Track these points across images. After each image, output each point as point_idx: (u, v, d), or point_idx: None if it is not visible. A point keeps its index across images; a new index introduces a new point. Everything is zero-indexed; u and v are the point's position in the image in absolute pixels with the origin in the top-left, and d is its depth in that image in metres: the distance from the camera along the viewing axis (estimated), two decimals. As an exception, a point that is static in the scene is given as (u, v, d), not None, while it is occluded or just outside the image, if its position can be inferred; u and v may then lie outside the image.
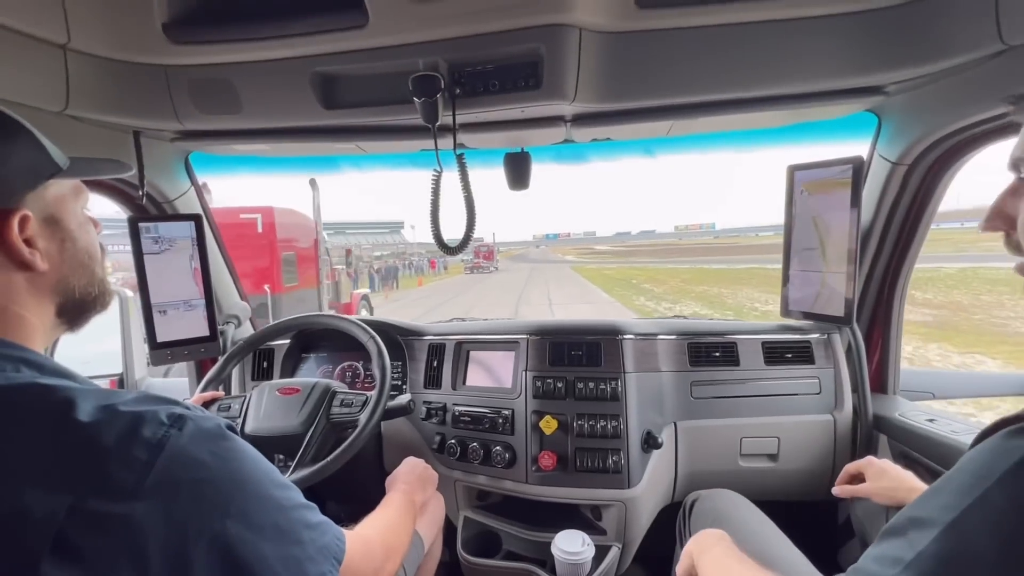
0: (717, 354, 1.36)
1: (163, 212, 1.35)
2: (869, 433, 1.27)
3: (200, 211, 1.42)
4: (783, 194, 1.37)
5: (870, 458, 1.00)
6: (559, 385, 1.29)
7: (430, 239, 1.14)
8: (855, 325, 1.27)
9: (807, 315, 1.36)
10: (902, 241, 1.26)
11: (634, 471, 1.22)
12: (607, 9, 0.88)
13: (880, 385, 1.37)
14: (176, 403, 0.50)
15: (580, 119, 1.12)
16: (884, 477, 0.94)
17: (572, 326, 1.40)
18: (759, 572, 0.70)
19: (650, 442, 1.25)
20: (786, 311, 1.41)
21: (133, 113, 1.05)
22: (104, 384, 1.63)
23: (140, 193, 1.22)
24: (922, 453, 1.11)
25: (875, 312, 1.36)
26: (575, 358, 1.33)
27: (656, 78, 0.98)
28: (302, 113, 1.07)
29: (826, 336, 1.35)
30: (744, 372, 1.34)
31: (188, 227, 1.28)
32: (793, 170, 1.33)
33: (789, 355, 1.35)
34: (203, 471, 0.47)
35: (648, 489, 1.25)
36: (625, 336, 1.34)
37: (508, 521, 1.32)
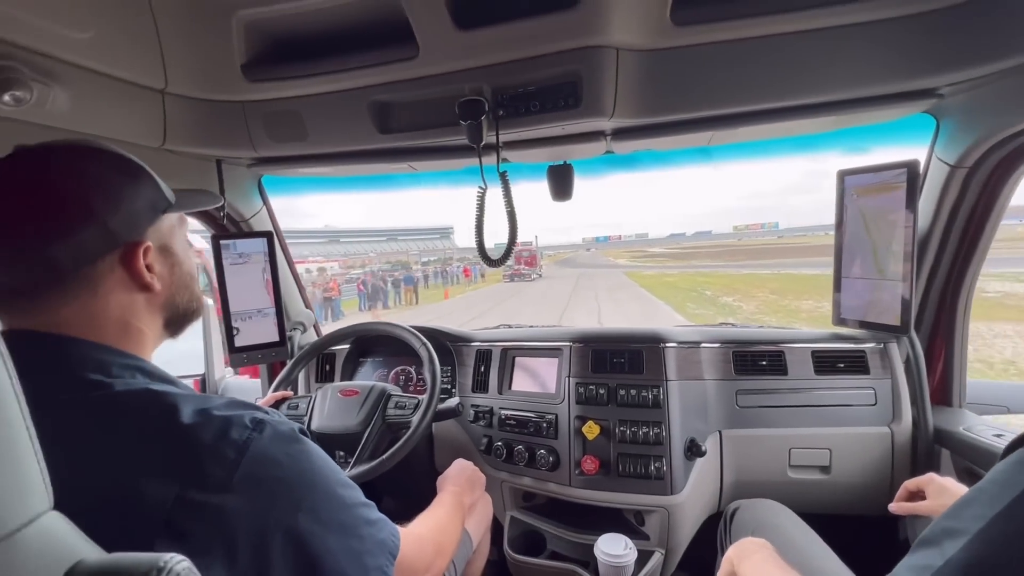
0: (764, 363, 1.34)
1: (240, 230, 1.50)
2: (930, 447, 1.21)
3: (271, 229, 1.57)
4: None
5: (931, 475, 0.94)
6: (601, 391, 1.32)
7: (472, 244, 1.21)
8: (914, 334, 1.22)
9: (862, 324, 1.31)
10: (964, 247, 1.20)
11: (677, 478, 1.23)
12: (643, 29, 0.91)
13: (944, 397, 1.30)
14: (257, 408, 0.58)
15: (620, 133, 1.15)
16: (944, 494, 0.89)
17: (614, 334, 1.43)
18: None
19: (693, 450, 1.25)
20: (838, 319, 1.37)
21: (216, 144, 1.19)
22: (189, 383, 1.82)
23: (222, 214, 1.37)
24: (987, 469, 1.05)
25: (937, 321, 1.30)
26: (617, 365, 1.36)
27: (695, 91, 1.00)
28: (360, 138, 1.16)
29: (882, 345, 1.30)
30: (793, 381, 1.32)
31: (261, 243, 1.42)
32: (843, 175, 1.30)
33: (841, 365, 1.31)
34: (280, 470, 0.54)
35: (692, 497, 1.25)
36: (667, 344, 1.35)
37: (553, 522, 1.36)
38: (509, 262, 1.19)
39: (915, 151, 1.19)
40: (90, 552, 0.36)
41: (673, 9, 0.88)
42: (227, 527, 0.49)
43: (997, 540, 0.42)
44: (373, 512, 0.64)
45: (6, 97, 0.77)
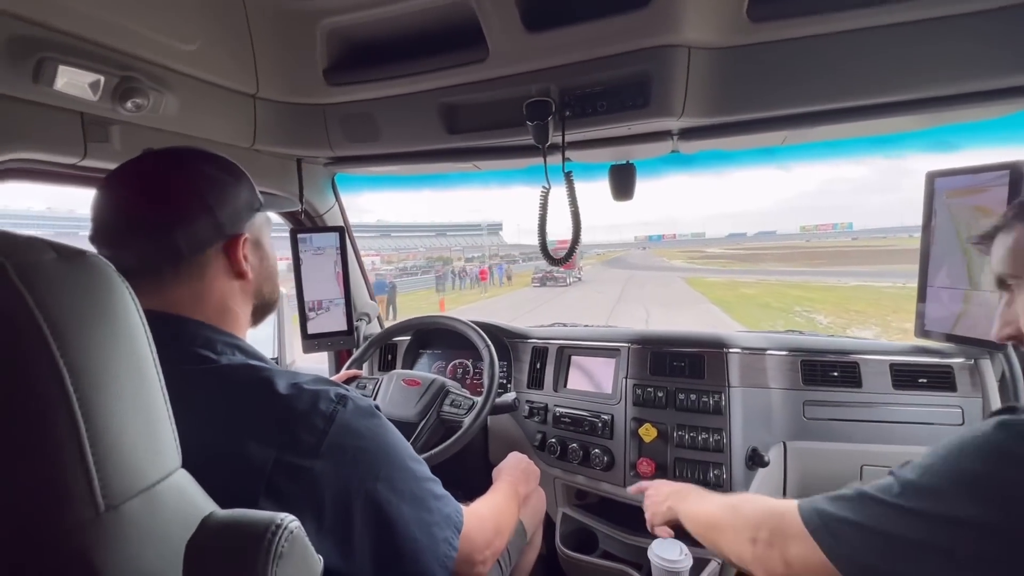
0: (835, 374, 1.28)
1: (315, 225, 1.60)
2: None
3: (343, 224, 1.66)
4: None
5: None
6: (659, 394, 1.31)
7: (519, 241, 1.22)
8: (1011, 350, 1.12)
9: (950, 337, 1.22)
10: None
11: (737, 487, 1.20)
12: (718, 27, 0.89)
13: None
14: (339, 385, 0.63)
15: (688, 132, 1.13)
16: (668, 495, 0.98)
17: (675, 336, 1.40)
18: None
19: (755, 459, 1.21)
20: (922, 331, 1.27)
21: (297, 144, 1.28)
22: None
23: (300, 209, 1.47)
24: None
25: None
26: (677, 369, 1.34)
27: (771, 90, 0.96)
28: (429, 138, 1.21)
29: (972, 361, 1.20)
30: (868, 395, 1.24)
31: (334, 237, 1.50)
32: (933, 177, 1.21)
33: (923, 380, 1.22)
34: (361, 440, 0.59)
35: None
36: (731, 350, 1.31)
37: (605, 522, 1.36)
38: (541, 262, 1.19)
39: (1013, 152, 1.09)
40: (210, 507, 0.41)
41: (750, 5, 0.85)
42: (316, 489, 0.54)
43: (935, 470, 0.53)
44: (439, 488, 0.68)
45: (128, 104, 0.86)
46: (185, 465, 0.43)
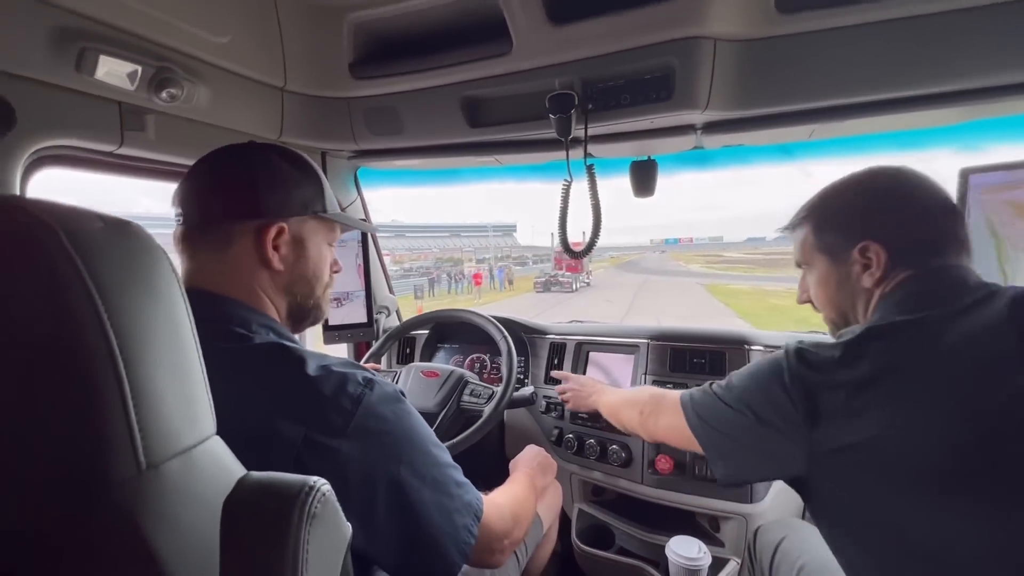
0: None
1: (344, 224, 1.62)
2: None
3: (365, 217, 1.68)
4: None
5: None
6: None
7: (534, 243, 1.23)
8: None
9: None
10: None
11: (757, 486, 1.18)
12: (745, 18, 0.88)
13: None
14: (366, 369, 0.64)
15: (713, 126, 1.12)
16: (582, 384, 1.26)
17: (695, 333, 1.39)
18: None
19: (777, 459, 1.19)
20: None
21: (322, 137, 1.30)
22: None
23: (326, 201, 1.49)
24: None
25: None
26: (697, 366, 1.32)
27: (799, 82, 0.95)
28: (451, 132, 1.22)
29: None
30: None
31: (355, 231, 1.52)
32: (967, 173, 1.17)
33: None
34: (386, 424, 0.60)
35: (773, 508, 1.19)
36: (753, 347, 1.29)
37: (622, 518, 1.35)
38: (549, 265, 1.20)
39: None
40: (242, 473, 0.42)
41: None
42: (342, 469, 0.55)
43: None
44: (460, 475, 0.68)
45: (163, 94, 0.89)
46: (221, 437, 0.44)
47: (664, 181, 1.39)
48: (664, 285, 27.28)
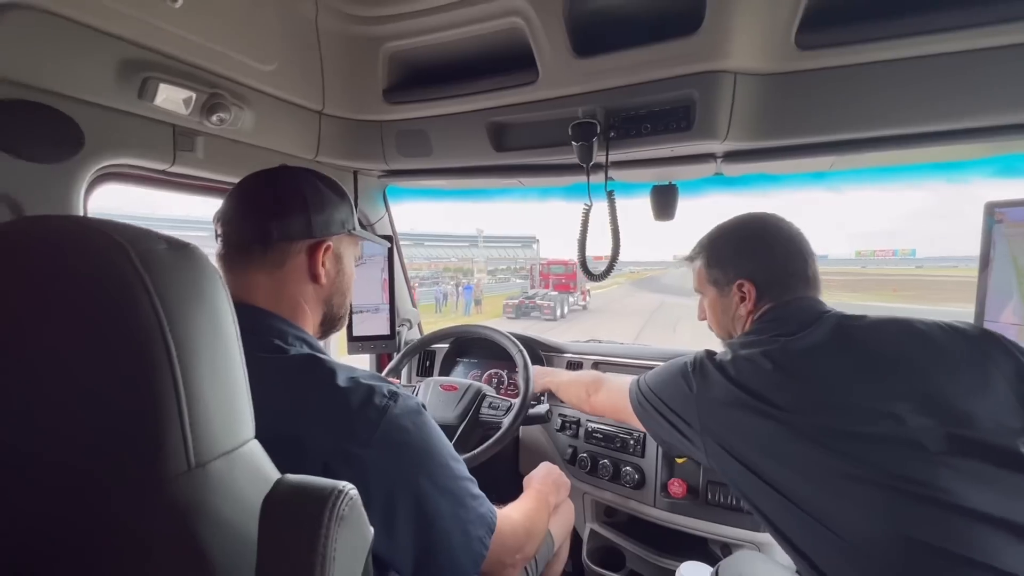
0: None
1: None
2: None
3: (391, 234, 1.74)
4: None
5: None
6: (694, 415, 1.30)
7: (559, 256, 1.25)
8: None
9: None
10: None
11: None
12: (765, 54, 0.91)
13: None
14: (390, 382, 0.68)
15: (733, 156, 1.15)
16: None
17: None
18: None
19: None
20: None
21: (355, 158, 1.36)
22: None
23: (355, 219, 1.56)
24: None
25: None
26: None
27: (817, 116, 0.97)
28: (477, 155, 1.27)
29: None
30: None
31: (383, 246, 1.58)
32: (993, 207, 1.17)
33: None
34: (408, 436, 0.64)
35: None
36: None
37: (633, 541, 1.35)
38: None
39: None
40: (276, 475, 0.46)
41: (799, 33, 0.87)
42: (366, 477, 0.58)
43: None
44: (476, 488, 0.71)
45: (213, 118, 0.96)
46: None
47: (687, 200, 1.41)
48: (683, 310, 20.55)
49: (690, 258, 1.09)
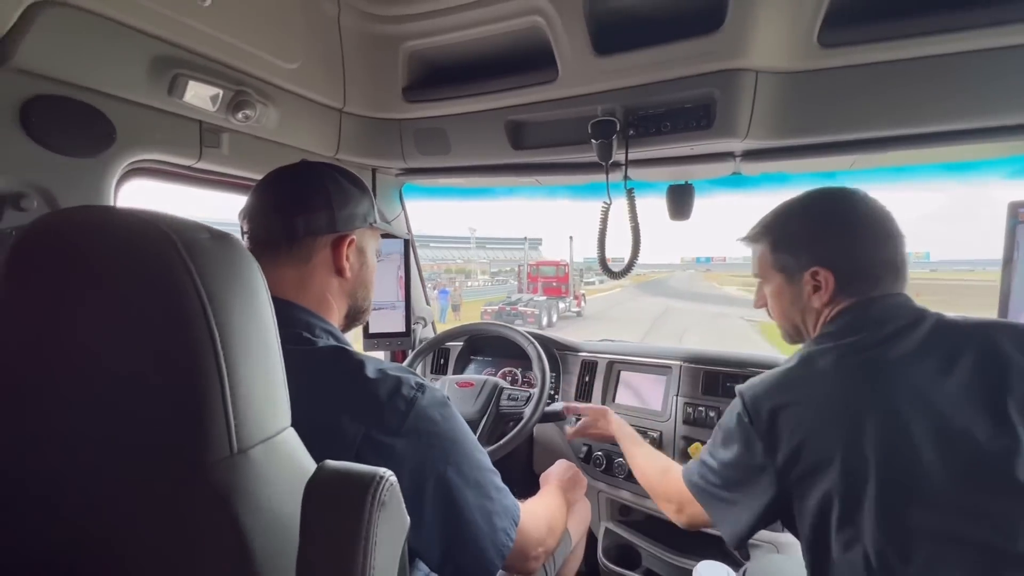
0: None
1: (385, 232, 1.70)
2: None
3: (407, 231, 1.75)
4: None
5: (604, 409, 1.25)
6: (711, 414, 1.29)
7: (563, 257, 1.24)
8: None
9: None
10: None
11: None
12: (787, 52, 0.91)
13: None
14: (416, 374, 0.68)
15: (752, 154, 1.14)
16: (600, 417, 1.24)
17: (729, 358, 1.39)
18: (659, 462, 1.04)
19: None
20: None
21: (374, 155, 1.38)
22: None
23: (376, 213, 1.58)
24: None
25: None
26: (730, 390, 1.31)
27: (839, 114, 0.97)
28: (495, 153, 1.28)
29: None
30: None
31: (399, 244, 1.59)
32: (1017, 207, 1.15)
33: None
34: (435, 426, 0.64)
35: None
36: None
37: (649, 540, 1.35)
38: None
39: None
40: (311, 462, 0.47)
41: (821, 31, 0.87)
42: (395, 465, 0.58)
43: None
44: (499, 480, 0.72)
45: (239, 115, 0.97)
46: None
47: (701, 199, 1.40)
48: (691, 317, 18.85)
49: (751, 239, 0.93)
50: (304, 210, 0.73)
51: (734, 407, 0.79)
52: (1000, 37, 0.81)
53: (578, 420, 1.47)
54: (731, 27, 0.87)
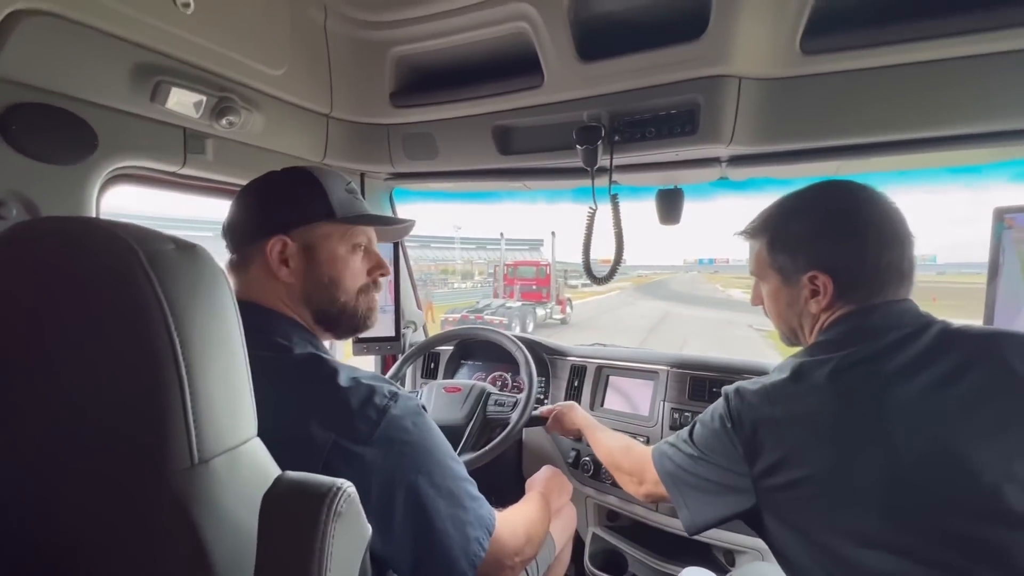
0: None
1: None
2: None
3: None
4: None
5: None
6: (697, 420, 1.29)
7: (563, 258, 1.24)
8: None
9: None
10: None
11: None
12: (770, 59, 0.91)
13: None
14: (391, 383, 0.68)
15: (737, 160, 1.14)
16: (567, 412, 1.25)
17: (716, 363, 1.39)
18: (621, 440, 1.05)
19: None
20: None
21: (362, 160, 1.38)
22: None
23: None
24: None
25: None
26: (716, 395, 1.31)
27: (821, 120, 0.97)
28: (483, 158, 1.28)
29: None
30: None
31: (388, 248, 1.59)
32: (1002, 213, 1.15)
33: None
34: (407, 435, 0.64)
35: None
36: None
37: (635, 545, 1.35)
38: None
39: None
40: (277, 472, 0.47)
41: (804, 38, 0.87)
42: (365, 474, 0.59)
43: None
44: (475, 489, 0.71)
45: (223, 121, 0.97)
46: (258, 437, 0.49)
47: (695, 203, 1.39)
48: (694, 325, 16.78)
49: (748, 234, 0.88)
50: (237, 221, 0.76)
51: (718, 407, 0.78)
52: (982, 44, 0.82)
53: None
54: (713, 34, 0.88)
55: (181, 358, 0.40)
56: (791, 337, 0.87)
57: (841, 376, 0.68)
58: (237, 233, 0.76)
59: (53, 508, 0.41)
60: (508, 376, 1.71)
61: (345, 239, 0.77)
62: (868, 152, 1.02)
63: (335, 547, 0.38)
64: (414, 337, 1.83)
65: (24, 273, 0.41)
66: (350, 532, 0.40)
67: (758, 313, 0.95)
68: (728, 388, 0.77)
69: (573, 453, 1.45)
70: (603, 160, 1.12)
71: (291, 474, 0.41)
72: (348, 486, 0.40)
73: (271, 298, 0.74)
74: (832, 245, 0.76)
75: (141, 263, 0.40)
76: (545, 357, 1.64)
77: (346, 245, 0.78)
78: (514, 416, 1.22)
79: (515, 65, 1.08)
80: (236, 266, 0.76)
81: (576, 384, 1.55)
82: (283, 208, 0.75)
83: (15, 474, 0.42)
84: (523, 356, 1.32)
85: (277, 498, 0.39)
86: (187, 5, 0.82)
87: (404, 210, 1.80)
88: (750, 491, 0.71)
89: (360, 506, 0.42)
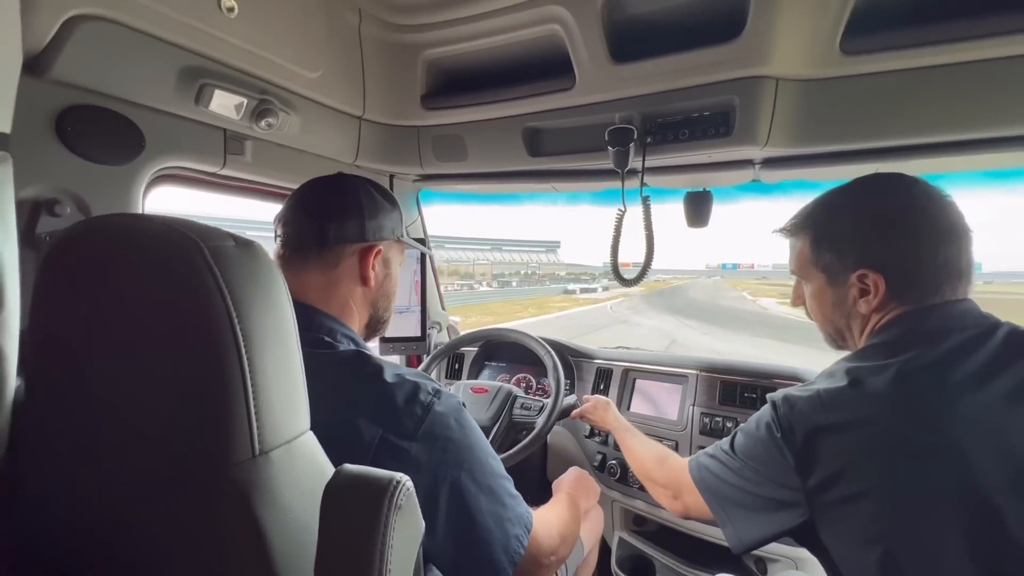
0: None
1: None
2: None
3: (424, 236, 1.77)
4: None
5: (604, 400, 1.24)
6: (728, 425, 1.28)
7: (580, 261, 1.21)
8: None
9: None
10: None
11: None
12: (809, 60, 0.90)
13: None
14: (433, 380, 0.69)
15: (772, 162, 1.13)
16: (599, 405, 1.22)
17: (748, 368, 1.37)
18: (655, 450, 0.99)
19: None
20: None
21: (393, 162, 1.39)
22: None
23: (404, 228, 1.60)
24: None
25: None
26: (748, 400, 1.30)
27: (860, 122, 0.95)
28: (512, 160, 1.29)
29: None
30: None
31: (416, 249, 1.61)
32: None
33: None
34: (450, 432, 0.65)
35: None
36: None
37: (663, 551, 1.33)
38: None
39: None
40: (329, 465, 0.47)
41: (844, 38, 0.86)
42: (410, 470, 0.59)
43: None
44: (513, 487, 0.72)
45: (262, 123, 1.00)
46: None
47: (721, 208, 1.38)
48: (706, 349, 13.37)
49: (788, 232, 0.84)
50: (337, 218, 0.76)
51: (764, 415, 0.72)
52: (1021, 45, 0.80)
53: (596, 429, 1.46)
54: (751, 34, 0.87)
55: (244, 350, 0.41)
56: (837, 339, 0.82)
57: (902, 385, 0.63)
58: (333, 233, 0.75)
59: (116, 500, 0.42)
60: (532, 378, 1.71)
61: (401, 258, 0.87)
62: (907, 154, 1.00)
63: (395, 540, 0.38)
64: (438, 338, 1.84)
65: (90, 268, 0.43)
66: (408, 525, 0.41)
67: (805, 332, 0.92)
68: (775, 395, 0.72)
69: (599, 456, 1.44)
70: (634, 162, 1.11)
71: (351, 467, 0.41)
72: (406, 480, 0.41)
73: (343, 297, 0.76)
74: (883, 241, 0.71)
75: (205, 258, 0.41)
76: (571, 359, 1.63)
77: (400, 263, 0.87)
78: (540, 421, 1.21)
79: (546, 67, 1.08)
80: (320, 263, 0.75)
81: (602, 387, 1.54)
82: (383, 220, 0.80)
83: (78, 466, 0.43)
84: (551, 361, 1.32)
85: (339, 490, 0.40)
86: (231, 9, 0.84)
87: (425, 211, 1.82)
88: (802, 505, 0.66)
89: (416, 500, 0.42)
